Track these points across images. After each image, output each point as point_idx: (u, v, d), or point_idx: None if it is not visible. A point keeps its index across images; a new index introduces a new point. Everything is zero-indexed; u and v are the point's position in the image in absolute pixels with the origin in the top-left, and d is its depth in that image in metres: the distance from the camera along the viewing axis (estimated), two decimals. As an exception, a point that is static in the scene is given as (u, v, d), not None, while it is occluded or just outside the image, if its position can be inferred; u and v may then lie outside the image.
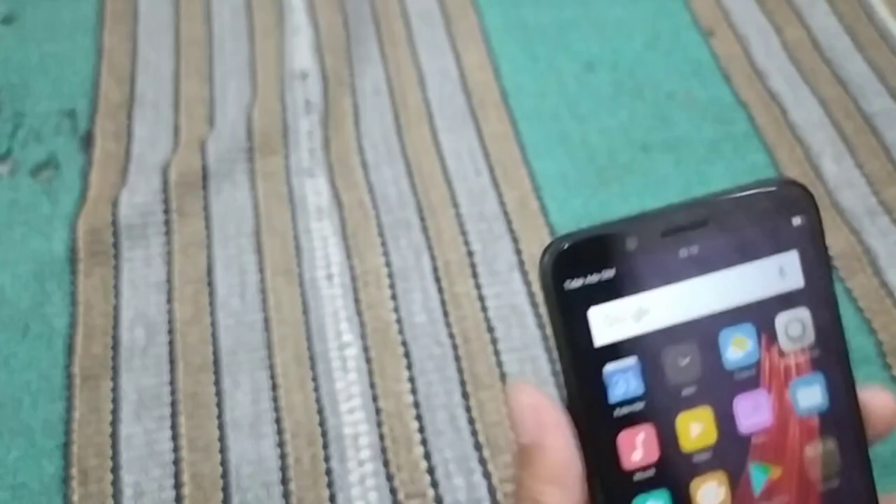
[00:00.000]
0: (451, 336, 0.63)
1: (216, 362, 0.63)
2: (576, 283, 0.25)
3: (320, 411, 0.60)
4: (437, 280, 0.66)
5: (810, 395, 0.26)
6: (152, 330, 0.64)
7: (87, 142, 0.75)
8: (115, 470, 0.58)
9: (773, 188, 0.27)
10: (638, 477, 0.25)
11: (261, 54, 0.82)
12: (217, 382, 0.62)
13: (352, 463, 0.58)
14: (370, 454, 0.58)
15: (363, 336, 0.64)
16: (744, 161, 0.74)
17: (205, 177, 0.72)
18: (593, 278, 0.25)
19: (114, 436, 0.59)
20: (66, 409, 0.60)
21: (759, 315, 0.26)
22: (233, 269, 0.67)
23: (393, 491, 0.56)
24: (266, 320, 0.65)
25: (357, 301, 0.65)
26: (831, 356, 0.27)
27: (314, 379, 0.62)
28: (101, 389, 0.61)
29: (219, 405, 0.61)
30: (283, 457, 0.58)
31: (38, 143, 0.75)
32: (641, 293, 0.25)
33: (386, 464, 0.58)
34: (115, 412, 0.60)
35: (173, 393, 0.61)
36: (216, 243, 0.69)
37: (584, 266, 0.25)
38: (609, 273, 0.25)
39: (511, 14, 0.86)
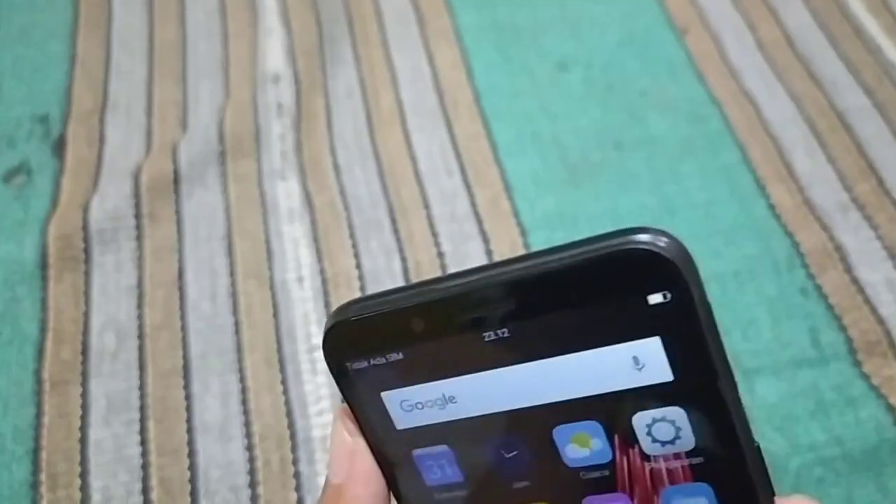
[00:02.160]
0: (421, 337, 0.63)
1: (186, 366, 0.63)
2: (361, 365, 0.22)
3: (289, 414, 0.60)
4: (408, 281, 0.66)
5: None
6: (122, 335, 0.64)
7: (60, 147, 0.75)
8: (84, 475, 0.58)
9: (621, 250, 0.19)
10: None
11: (234, 56, 0.82)
12: (186, 386, 0.62)
13: (320, 465, 0.58)
14: (338, 456, 0.58)
15: (333, 338, 0.63)
16: (717, 159, 0.74)
17: (176, 181, 0.72)
18: (380, 360, 0.22)
19: (83, 441, 0.59)
20: (35, 414, 0.60)
21: (606, 412, 0.21)
22: (204, 272, 0.67)
23: (361, 493, 0.56)
24: (236, 323, 0.65)
25: (327, 304, 0.65)
26: (724, 466, 0.21)
27: (283, 382, 0.62)
28: (70, 394, 0.61)
29: (188, 409, 0.61)
30: (251, 460, 0.58)
31: (11, 149, 0.75)
32: (440, 381, 0.21)
33: (354, 466, 0.58)
34: (84, 417, 0.60)
35: (142, 397, 0.61)
36: (187, 247, 0.69)
37: (368, 346, 0.22)
38: (398, 356, 0.21)
39: (485, 14, 0.86)
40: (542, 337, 0.20)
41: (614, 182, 0.73)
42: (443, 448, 0.23)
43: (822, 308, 0.65)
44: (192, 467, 0.58)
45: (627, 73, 0.81)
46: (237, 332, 0.64)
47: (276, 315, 0.65)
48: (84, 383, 0.62)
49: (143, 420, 0.60)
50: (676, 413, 0.20)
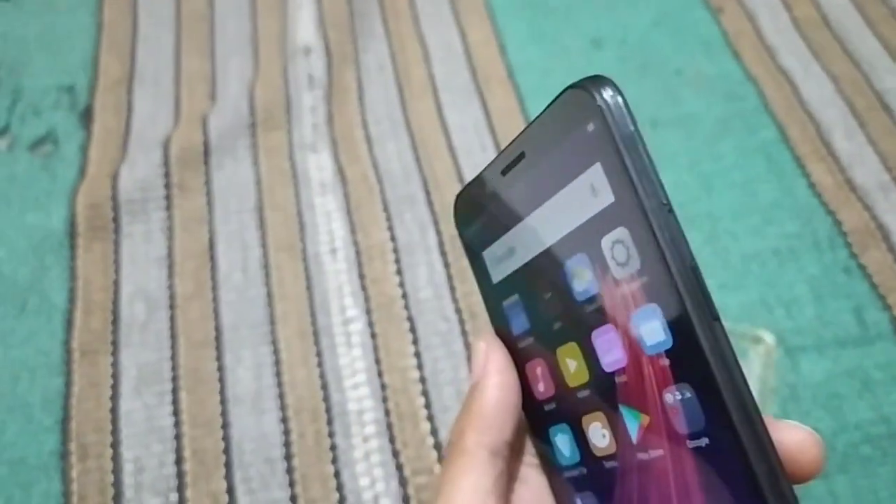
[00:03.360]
0: (458, 311, 0.62)
1: (218, 338, 0.61)
2: (468, 230, 0.27)
3: (324, 387, 0.59)
4: (443, 254, 0.65)
5: (651, 331, 0.21)
6: (153, 305, 0.63)
7: (87, 117, 0.73)
8: (115, 445, 0.57)
9: (560, 98, 0.23)
10: (547, 408, 0.24)
11: (263, 30, 0.81)
12: (219, 358, 0.60)
13: (356, 439, 0.57)
14: (375, 430, 0.57)
15: (368, 311, 0.62)
16: (754, 137, 0.73)
17: (206, 152, 0.70)
18: (477, 224, 0.26)
19: (113, 411, 0.58)
20: (64, 384, 0.59)
21: (587, 242, 0.23)
22: (235, 244, 0.66)
23: (399, 467, 0.55)
24: (269, 295, 0.63)
25: (361, 276, 0.64)
26: (663, 285, 0.21)
27: (318, 354, 0.60)
28: (100, 365, 0.60)
29: (220, 381, 0.59)
30: (286, 433, 0.57)
31: (37, 119, 0.73)
32: (504, 234, 0.25)
33: (391, 440, 0.56)
34: (114, 387, 0.59)
35: (174, 368, 0.60)
36: (218, 218, 0.67)
37: (470, 214, 0.27)
38: (483, 218, 0.26)
39: (517, -10, 0.84)
40: (541, 183, 0.23)
41: (651, 159, 0.71)
42: (515, 297, 0.25)
43: (865, 287, 0.63)
44: (226, 439, 0.57)
45: (662, 51, 0.79)
46: (269, 304, 0.63)
47: (309, 287, 0.64)
48: (114, 353, 0.61)
49: (175, 391, 0.59)
50: (623, 233, 0.21)
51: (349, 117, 0.74)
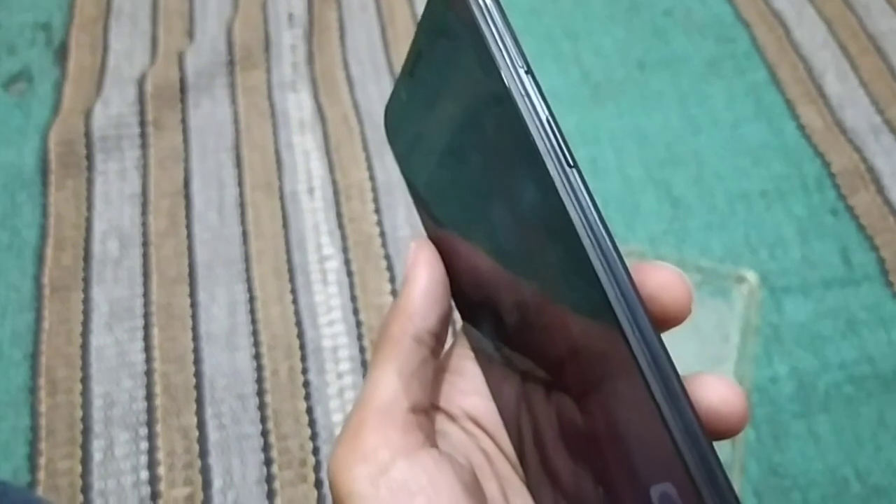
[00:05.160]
0: (436, 249, 0.60)
1: (191, 275, 0.60)
2: (397, 140, 0.25)
3: (299, 324, 0.58)
4: (423, 194, 0.64)
5: None
6: (126, 242, 0.62)
7: (62, 54, 0.72)
8: (85, 381, 0.56)
9: None
10: (476, 299, 0.23)
11: (243, -31, 0.79)
12: (192, 295, 0.59)
13: (330, 375, 0.56)
14: (349, 367, 0.56)
15: (345, 249, 0.61)
16: (743, 79, 0.71)
17: (183, 90, 0.69)
18: (402, 132, 0.25)
19: (84, 347, 0.57)
20: (34, 320, 0.58)
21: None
22: (211, 182, 0.65)
23: (373, 403, 0.54)
24: (244, 234, 0.62)
25: (339, 215, 0.63)
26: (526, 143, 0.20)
27: (293, 292, 0.59)
28: (71, 301, 0.59)
29: (193, 317, 0.58)
30: (259, 369, 0.56)
31: (12, 56, 0.72)
32: (424, 134, 0.24)
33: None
34: (85, 323, 0.58)
35: (146, 305, 0.59)
36: (194, 157, 0.66)
37: (395, 123, 0.25)
38: (405, 124, 0.25)
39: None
40: (439, 77, 0.22)
41: (637, 101, 0.70)
42: (441, 195, 0.24)
43: (852, 229, 0.62)
44: (198, 375, 0.56)
45: (652, -7, 0.78)
46: (245, 242, 0.62)
47: (285, 226, 0.62)
48: (86, 289, 0.59)
49: (147, 327, 0.58)
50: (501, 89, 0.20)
51: (330, 57, 0.72)
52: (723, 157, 0.66)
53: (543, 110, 0.19)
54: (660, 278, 0.19)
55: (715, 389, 0.19)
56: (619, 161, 0.66)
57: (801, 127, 0.68)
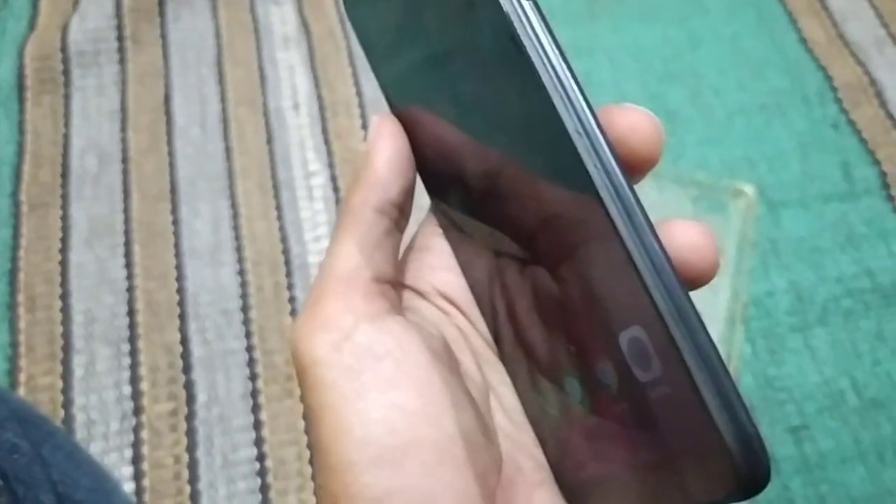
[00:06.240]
0: (425, 164, 0.59)
1: (174, 191, 0.59)
2: (355, 11, 0.23)
3: (284, 240, 0.56)
4: (411, 108, 0.62)
5: None
6: (105, 159, 0.60)
7: (36, -31, 0.69)
8: (65, 297, 0.54)
9: None
10: (441, 173, 0.22)
11: None
12: (174, 211, 0.58)
13: (317, 291, 0.55)
14: (337, 282, 0.55)
15: (331, 165, 0.59)
16: (745, -8, 0.69)
17: (161, 3, 0.66)
18: (361, 3, 0.23)
19: (63, 263, 0.56)
20: (12, 236, 0.57)
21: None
22: (192, 98, 0.63)
23: (360, 319, 0.53)
24: (227, 150, 0.60)
25: (325, 130, 0.61)
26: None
27: (278, 208, 0.58)
28: (49, 217, 0.57)
29: (176, 234, 0.57)
30: (243, 285, 0.55)
31: (-17, -29, 0.69)
32: (384, 6, 0.22)
33: (353, 292, 0.54)
34: (64, 240, 0.56)
35: (127, 222, 0.57)
36: (174, 72, 0.64)
37: None
38: None
39: None
40: None
41: (635, 14, 0.67)
42: (403, 67, 0.22)
43: (854, 142, 0.60)
44: (181, 291, 0.55)
45: None
46: (228, 158, 0.60)
47: (270, 142, 0.61)
48: (64, 206, 0.58)
49: (128, 244, 0.56)
50: None
51: (315, -31, 0.69)
52: (722, 71, 0.64)
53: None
54: (628, 120, 0.18)
55: (685, 234, 0.18)
56: (614, 76, 0.64)
57: (802, 40, 0.66)
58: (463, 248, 0.23)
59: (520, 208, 0.19)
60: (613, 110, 0.18)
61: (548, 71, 0.17)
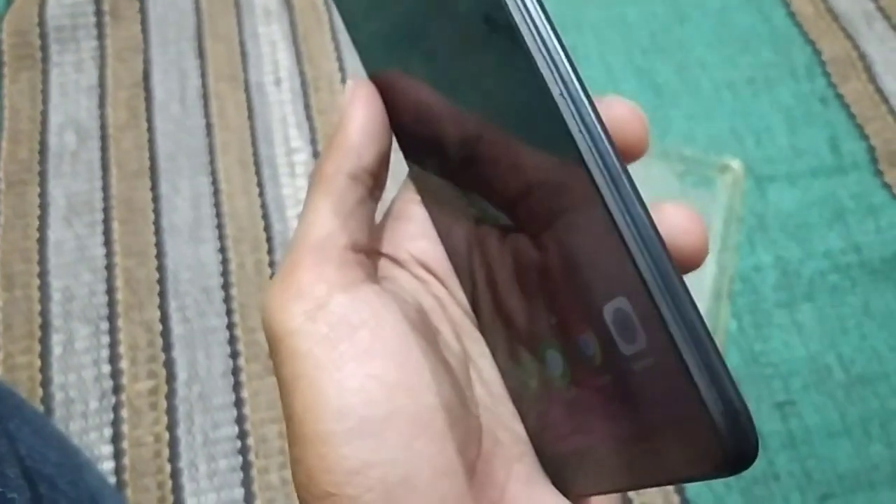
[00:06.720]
0: (409, 140, 0.58)
1: (153, 168, 0.58)
2: None
3: (265, 217, 0.56)
4: (395, 83, 0.61)
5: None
6: (83, 135, 0.59)
7: (13, -58, 0.68)
8: (43, 275, 0.54)
9: None
10: (418, 137, 0.22)
11: None
12: (154, 188, 0.57)
13: (299, 268, 0.54)
14: (319, 259, 0.54)
15: (313, 142, 0.59)
16: (733, -35, 0.68)
17: (141, -23, 0.65)
18: None
19: (41, 241, 0.55)
20: (-11, 214, 0.56)
21: None
22: (172, 74, 0.62)
23: (343, 296, 0.52)
24: (208, 126, 0.59)
25: (307, 106, 0.60)
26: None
27: (259, 184, 0.57)
28: (27, 195, 0.56)
29: (155, 211, 0.56)
30: (224, 262, 0.54)
31: (-41, -55, 0.68)
32: None
33: (336, 269, 0.53)
34: (42, 218, 0.56)
35: (106, 199, 0.56)
36: (154, 48, 0.63)
37: None
38: None
39: None
40: None
41: (622, -13, 0.67)
42: (377, 29, 0.21)
43: (842, 117, 0.60)
44: (161, 269, 0.54)
45: None
46: (209, 134, 0.59)
47: (251, 118, 0.60)
48: (42, 183, 0.57)
49: (106, 221, 0.56)
50: None
51: (297, -57, 0.68)
52: (709, 45, 0.63)
53: None
54: (613, 113, 0.18)
55: (673, 217, 0.17)
56: (600, 50, 0.63)
57: (791, 14, 0.65)
58: (442, 217, 0.22)
59: (501, 175, 0.19)
60: (597, 103, 0.17)
61: (531, 31, 0.16)
